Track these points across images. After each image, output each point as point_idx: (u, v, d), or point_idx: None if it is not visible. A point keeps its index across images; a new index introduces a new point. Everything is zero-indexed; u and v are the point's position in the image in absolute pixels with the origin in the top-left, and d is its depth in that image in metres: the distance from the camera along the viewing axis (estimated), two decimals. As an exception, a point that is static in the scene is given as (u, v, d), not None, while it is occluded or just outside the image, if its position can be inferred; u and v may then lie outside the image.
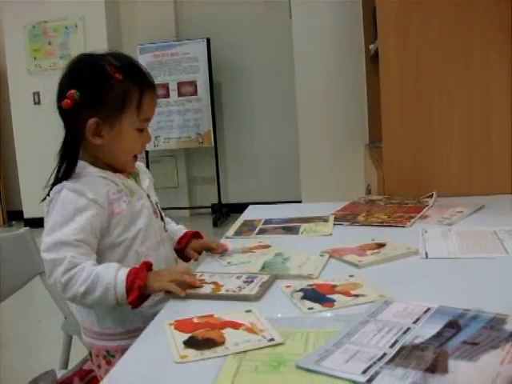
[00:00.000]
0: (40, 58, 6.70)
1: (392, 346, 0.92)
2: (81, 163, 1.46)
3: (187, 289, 1.28)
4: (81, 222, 1.37)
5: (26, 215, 6.84)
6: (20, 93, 6.75)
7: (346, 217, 1.93)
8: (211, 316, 1.12)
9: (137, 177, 1.59)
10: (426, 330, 0.96)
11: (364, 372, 0.84)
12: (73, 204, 1.38)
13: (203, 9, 6.58)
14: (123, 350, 1.07)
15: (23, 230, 1.84)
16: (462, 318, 1.00)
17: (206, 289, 1.28)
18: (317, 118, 4.31)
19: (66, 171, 1.43)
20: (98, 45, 6.44)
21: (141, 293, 1.28)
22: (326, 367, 0.87)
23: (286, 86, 5.81)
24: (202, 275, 1.37)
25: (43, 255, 1.35)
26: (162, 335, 1.06)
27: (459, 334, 0.94)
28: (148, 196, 1.56)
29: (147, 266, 1.33)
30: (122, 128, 1.45)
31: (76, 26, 6.56)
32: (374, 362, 0.87)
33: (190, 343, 1.00)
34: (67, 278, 1.30)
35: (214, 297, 1.24)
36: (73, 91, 1.40)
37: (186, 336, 1.04)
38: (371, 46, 3.37)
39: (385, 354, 0.89)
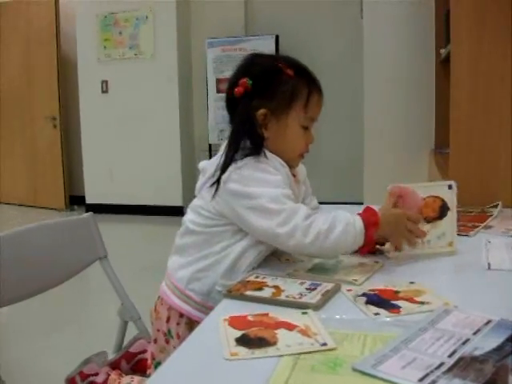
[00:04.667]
0: (110, 47, 6.82)
1: (450, 355, 0.90)
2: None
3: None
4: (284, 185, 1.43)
5: (88, 201, 6.99)
6: (88, 81, 6.89)
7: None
8: (266, 315, 1.12)
9: (299, 183, 1.61)
10: (486, 343, 0.94)
11: (421, 380, 0.83)
12: (272, 175, 1.43)
13: (273, 5, 6.58)
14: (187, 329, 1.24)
15: (87, 215, 1.87)
16: (524, 332, 0.98)
17: (267, 292, 1.26)
18: (383, 119, 4.28)
19: (255, 150, 1.46)
20: (167, 36, 6.54)
21: (376, 229, 1.38)
22: (382, 372, 0.86)
23: (354, 85, 5.76)
24: (264, 277, 1.35)
25: (271, 206, 1.37)
26: (216, 330, 1.06)
27: (521, 349, 0.92)
28: None
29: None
30: (288, 122, 1.48)
31: (147, 17, 6.65)
32: (431, 371, 0.85)
33: (242, 341, 1.00)
34: (309, 221, 1.35)
35: (273, 302, 1.21)
36: (245, 79, 1.47)
37: (238, 333, 1.04)
38: (442, 50, 3.33)
39: (442, 364, 0.88)
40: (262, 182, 1.40)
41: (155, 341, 1.57)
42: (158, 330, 1.56)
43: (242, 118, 1.48)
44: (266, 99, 1.47)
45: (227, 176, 1.42)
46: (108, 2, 6.71)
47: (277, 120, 1.48)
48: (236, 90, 1.47)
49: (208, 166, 1.52)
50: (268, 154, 1.47)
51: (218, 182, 1.44)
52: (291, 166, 1.54)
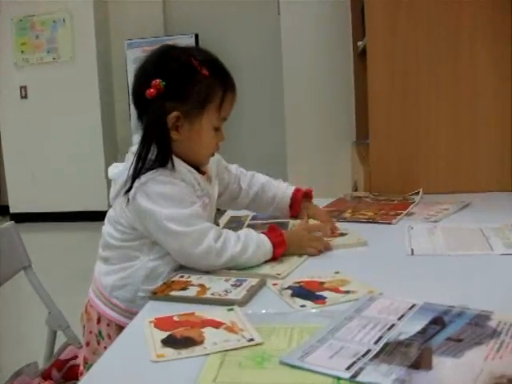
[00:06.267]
0: (27, 51, 6.64)
1: (376, 342, 0.91)
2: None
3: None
4: (192, 197, 1.42)
5: (12, 210, 6.81)
6: (6, 86, 6.68)
7: (333, 213, 1.92)
8: (192, 314, 1.11)
9: (211, 180, 1.57)
10: (411, 327, 0.96)
11: (348, 368, 0.84)
12: (179, 188, 1.40)
13: (192, 4, 6.55)
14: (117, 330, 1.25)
15: (8, 224, 1.83)
16: (447, 314, 1.00)
17: (192, 291, 1.24)
18: (304, 114, 4.31)
19: (161, 160, 1.40)
20: (86, 39, 6.43)
21: (285, 248, 1.42)
22: (309, 363, 0.87)
23: (274, 82, 5.78)
24: (189, 276, 1.34)
25: (179, 229, 1.35)
26: (142, 332, 1.05)
27: (444, 330, 0.94)
28: None
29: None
30: (201, 125, 1.42)
31: (64, 20, 6.51)
32: (359, 358, 0.86)
33: (169, 342, 0.99)
34: (221, 243, 1.35)
35: (198, 300, 1.20)
36: (158, 80, 1.37)
37: (164, 334, 1.02)
38: (359, 43, 3.37)
39: (369, 351, 0.89)
40: (168, 199, 1.37)
41: (87, 344, 1.53)
42: (91, 332, 1.52)
43: (153, 121, 1.41)
44: (180, 101, 1.39)
45: (133, 193, 1.37)
46: (23, 4, 6.50)
47: (189, 123, 1.41)
48: (148, 91, 1.37)
49: (118, 175, 1.47)
50: (175, 161, 1.41)
51: (127, 193, 1.40)
52: (200, 165, 1.51)
